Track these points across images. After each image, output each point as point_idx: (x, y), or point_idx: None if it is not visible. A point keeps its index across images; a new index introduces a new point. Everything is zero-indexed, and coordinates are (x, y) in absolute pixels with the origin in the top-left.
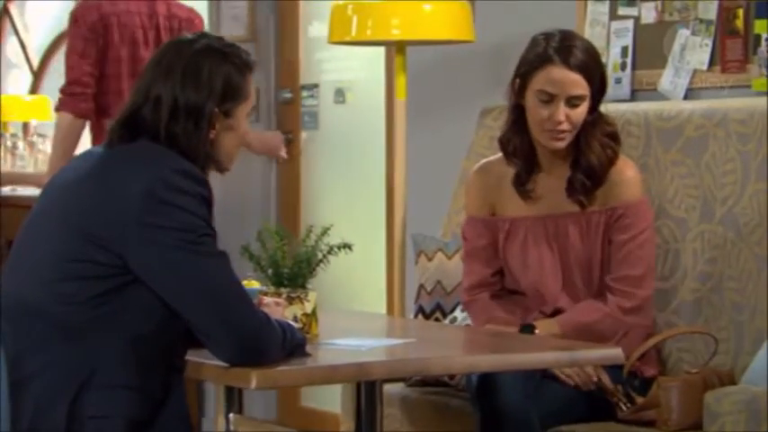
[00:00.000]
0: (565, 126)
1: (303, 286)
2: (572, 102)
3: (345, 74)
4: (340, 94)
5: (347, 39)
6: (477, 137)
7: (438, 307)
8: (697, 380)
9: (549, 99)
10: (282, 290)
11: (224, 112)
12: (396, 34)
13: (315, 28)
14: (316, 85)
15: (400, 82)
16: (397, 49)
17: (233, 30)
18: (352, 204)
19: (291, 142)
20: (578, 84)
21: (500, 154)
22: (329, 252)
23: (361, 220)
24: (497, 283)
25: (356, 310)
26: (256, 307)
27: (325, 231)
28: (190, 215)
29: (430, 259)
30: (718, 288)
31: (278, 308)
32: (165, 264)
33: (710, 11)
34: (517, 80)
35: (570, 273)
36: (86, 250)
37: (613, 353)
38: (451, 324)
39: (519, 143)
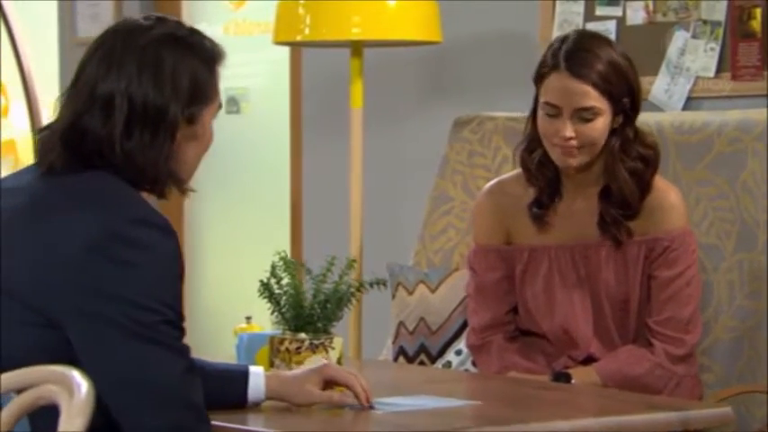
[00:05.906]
0: (574, 143)
1: (326, 330)
2: (582, 116)
3: (241, 80)
4: (234, 104)
5: (298, 38)
6: (453, 151)
7: (423, 349)
8: None
9: (555, 112)
10: (303, 335)
11: (188, 117)
12: (356, 33)
13: (202, 30)
14: None
15: (356, 88)
16: (353, 50)
17: (91, 31)
18: (248, 232)
19: None
20: (587, 95)
21: (515, 171)
22: (358, 289)
23: (258, 249)
24: (512, 322)
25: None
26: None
27: (350, 264)
28: (149, 287)
29: (410, 293)
30: (763, 326)
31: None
32: (101, 345)
33: (718, 11)
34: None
35: (601, 313)
36: (26, 332)
37: (724, 412)
38: (449, 369)
39: (542, 158)
